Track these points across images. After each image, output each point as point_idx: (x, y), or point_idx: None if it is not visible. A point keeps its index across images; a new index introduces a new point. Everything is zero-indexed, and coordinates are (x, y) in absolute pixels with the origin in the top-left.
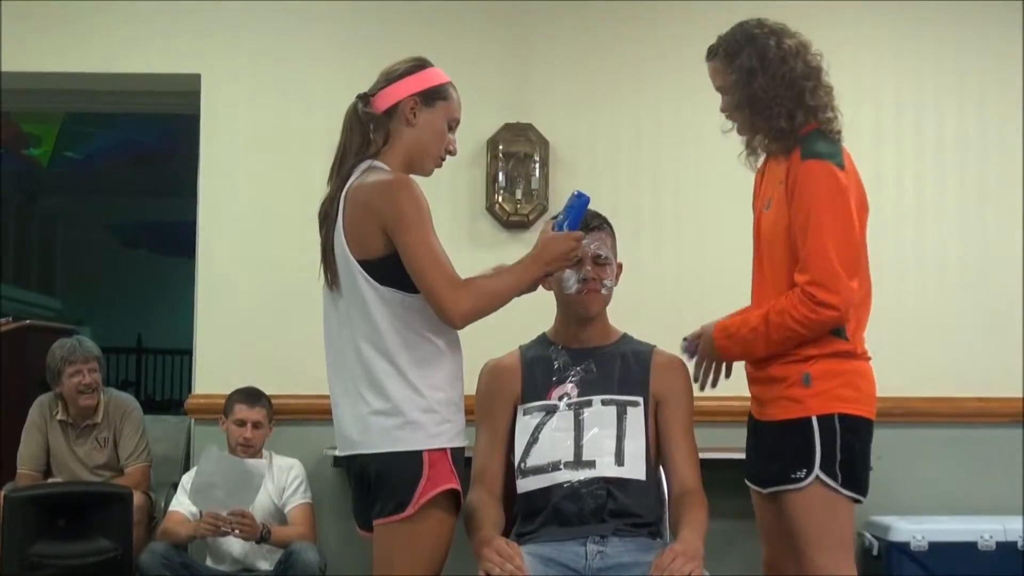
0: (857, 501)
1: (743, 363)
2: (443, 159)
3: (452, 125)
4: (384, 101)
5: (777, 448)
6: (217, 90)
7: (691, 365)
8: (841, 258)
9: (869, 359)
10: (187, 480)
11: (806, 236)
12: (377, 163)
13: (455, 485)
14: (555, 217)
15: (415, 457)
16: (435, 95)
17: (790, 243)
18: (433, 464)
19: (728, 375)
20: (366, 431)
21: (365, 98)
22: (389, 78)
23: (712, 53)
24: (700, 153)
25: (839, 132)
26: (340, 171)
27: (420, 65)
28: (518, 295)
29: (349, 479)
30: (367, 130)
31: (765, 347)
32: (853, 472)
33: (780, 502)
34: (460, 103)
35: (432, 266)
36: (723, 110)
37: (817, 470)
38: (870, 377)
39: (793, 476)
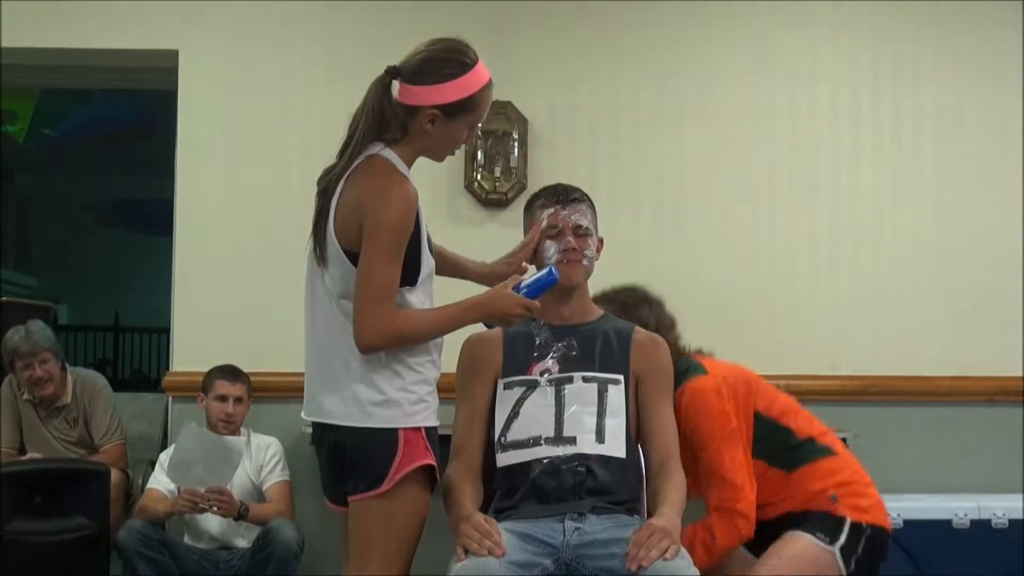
0: None
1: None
2: (457, 150)
3: (472, 128)
4: (407, 96)
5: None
6: (195, 66)
7: None
8: None
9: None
10: (165, 458)
11: None
12: (386, 153)
13: (430, 461)
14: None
15: (391, 434)
16: (460, 108)
17: None
18: (408, 441)
19: None
20: (342, 403)
21: (395, 73)
22: (419, 76)
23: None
24: (678, 130)
25: None
26: (351, 148)
27: (455, 73)
28: (446, 333)
29: (319, 450)
30: (386, 112)
31: None
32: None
33: None
34: (489, 104)
35: (373, 290)
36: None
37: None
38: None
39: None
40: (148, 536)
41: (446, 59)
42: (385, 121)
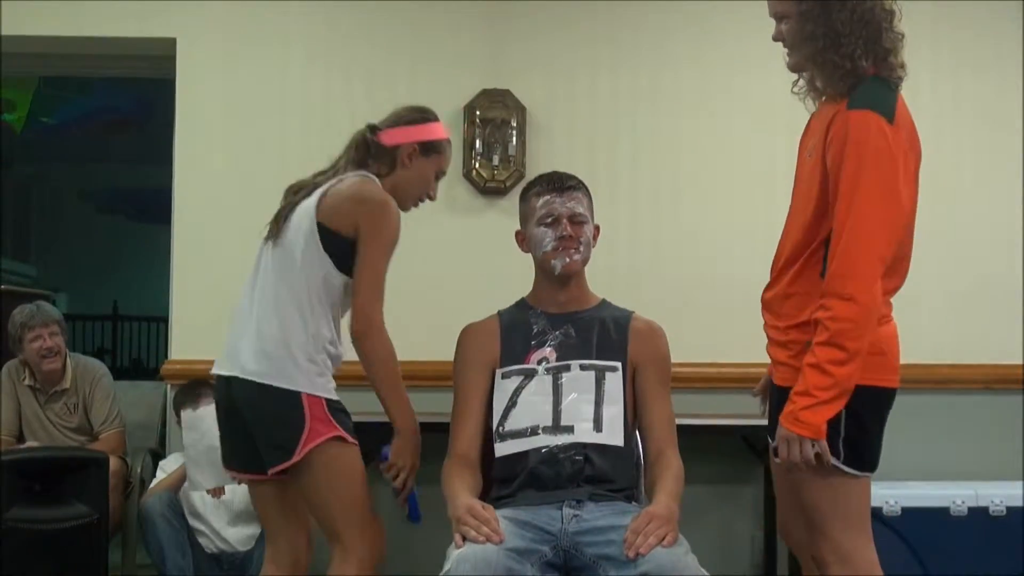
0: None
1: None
2: (422, 201)
3: (439, 175)
4: (390, 139)
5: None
6: (193, 54)
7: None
8: (876, 242)
9: (890, 320)
10: (166, 464)
11: (843, 210)
12: (373, 177)
13: (337, 433)
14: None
15: (294, 397)
16: (432, 148)
17: (820, 199)
18: (312, 410)
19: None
20: (256, 362)
21: (373, 129)
22: (397, 121)
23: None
24: (677, 119)
25: (899, 82)
26: (334, 169)
27: (426, 119)
28: (391, 373)
29: (220, 408)
30: (369, 154)
31: (845, 376)
32: (859, 447)
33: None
34: (451, 158)
35: (376, 282)
36: (777, 39)
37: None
38: (891, 340)
39: None
40: (174, 507)
41: (415, 109)
42: (366, 159)
